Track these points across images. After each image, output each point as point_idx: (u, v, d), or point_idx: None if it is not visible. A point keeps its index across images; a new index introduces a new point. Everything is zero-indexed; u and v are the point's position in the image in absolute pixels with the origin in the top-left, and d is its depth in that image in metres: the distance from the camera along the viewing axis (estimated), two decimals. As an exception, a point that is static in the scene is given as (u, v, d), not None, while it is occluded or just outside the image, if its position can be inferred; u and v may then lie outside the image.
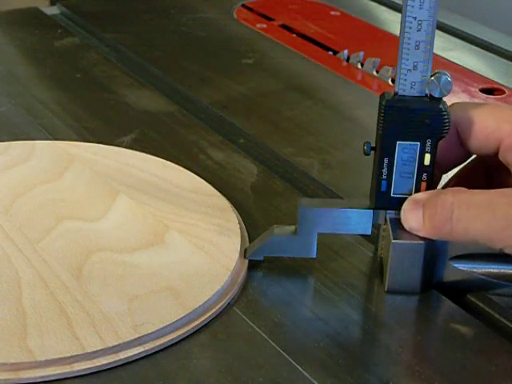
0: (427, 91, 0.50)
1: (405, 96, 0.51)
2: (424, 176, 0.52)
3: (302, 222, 0.54)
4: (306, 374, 0.46)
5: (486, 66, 0.90)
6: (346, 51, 0.90)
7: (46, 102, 0.76)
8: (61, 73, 0.83)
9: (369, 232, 0.54)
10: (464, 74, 0.86)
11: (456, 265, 0.53)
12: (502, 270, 0.53)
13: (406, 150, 0.52)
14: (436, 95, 0.50)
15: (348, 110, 0.78)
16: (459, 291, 0.54)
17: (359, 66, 0.88)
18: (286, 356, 0.48)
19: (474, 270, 0.53)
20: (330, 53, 0.92)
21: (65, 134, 0.71)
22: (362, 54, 0.88)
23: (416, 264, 0.52)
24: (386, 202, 0.53)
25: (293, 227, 0.55)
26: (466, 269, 0.53)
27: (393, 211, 0.53)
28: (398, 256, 0.52)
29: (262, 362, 0.47)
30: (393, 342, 0.50)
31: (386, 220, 0.54)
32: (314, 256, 0.55)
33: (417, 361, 0.48)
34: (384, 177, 0.52)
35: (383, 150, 0.52)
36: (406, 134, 0.51)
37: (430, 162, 0.52)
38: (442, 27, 0.97)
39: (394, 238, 0.52)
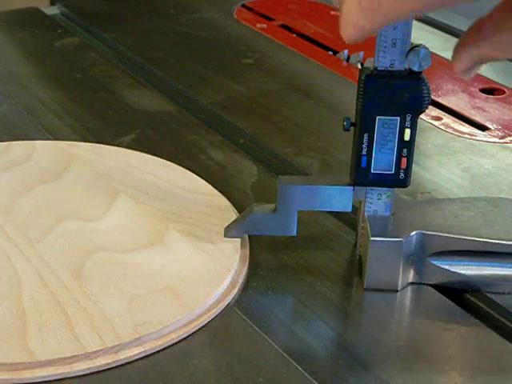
0: (406, 66, 0.50)
1: (384, 70, 0.51)
2: (404, 151, 0.52)
3: (282, 200, 0.53)
4: (306, 373, 0.46)
5: (486, 65, 0.89)
6: (346, 51, 0.90)
7: (46, 102, 0.76)
8: (61, 73, 0.83)
9: (349, 209, 0.54)
10: (464, 74, 0.86)
11: (434, 262, 0.53)
12: (480, 267, 0.53)
13: (385, 126, 0.51)
14: (415, 69, 0.50)
15: (348, 110, 0.77)
16: (439, 288, 0.54)
17: (359, 66, 0.88)
18: (286, 356, 0.48)
19: (452, 267, 0.53)
20: (330, 53, 0.92)
21: (65, 134, 0.71)
22: (361, 54, 0.88)
23: (395, 261, 0.52)
24: (366, 178, 0.53)
25: (273, 205, 0.54)
26: (443, 266, 0.53)
27: (373, 191, 0.53)
28: (376, 253, 0.52)
29: (262, 362, 0.47)
30: (392, 341, 0.50)
31: (364, 218, 0.54)
32: (294, 234, 0.54)
33: (416, 360, 0.48)
34: (364, 153, 0.52)
35: (363, 125, 0.52)
36: (385, 108, 0.51)
37: (410, 137, 0.52)
38: (442, 27, 0.97)
39: (373, 236, 0.52)
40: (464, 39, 0.48)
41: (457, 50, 0.48)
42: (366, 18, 0.45)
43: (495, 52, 0.48)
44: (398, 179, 0.53)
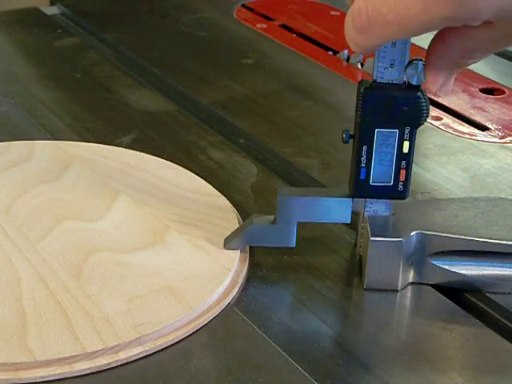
0: (405, 78, 0.50)
1: (383, 83, 0.51)
2: (403, 164, 0.52)
3: (281, 211, 0.54)
4: (305, 373, 0.46)
5: (486, 65, 0.90)
6: (345, 51, 0.90)
7: (46, 102, 0.76)
8: (61, 73, 0.83)
9: (348, 220, 0.54)
10: (464, 74, 0.86)
11: (434, 262, 0.53)
12: (480, 267, 0.53)
13: (384, 138, 0.52)
14: (414, 82, 0.50)
15: (348, 110, 0.78)
16: (439, 288, 0.54)
17: (359, 66, 0.88)
18: (286, 356, 0.48)
19: (452, 267, 0.53)
20: (330, 53, 0.92)
21: (65, 134, 0.71)
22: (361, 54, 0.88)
23: (395, 261, 0.52)
24: (365, 190, 0.53)
25: (272, 217, 0.55)
26: (443, 266, 0.53)
27: (372, 202, 0.54)
28: (376, 253, 0.52)
29: (262, 362, 0.47)
30: (393, 341, 0.50)
31: (364, 217, 0.54)
32: (293, 245, 0.54)
33: (417, 361, 0.48)
34: (363, 165, 0.52)
35: (362, 137, 0.52)
36: (384, 121, 0.51)
37: (409, 149, 0.52)
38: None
39: (373, 236, 0.52)
40: (431, 53, 0.48)
41: (429, 71, 0.49)
42: (361, 38, 0.47)
43: (464, 60, 0.48)
44: (397, 191, 0.53)
